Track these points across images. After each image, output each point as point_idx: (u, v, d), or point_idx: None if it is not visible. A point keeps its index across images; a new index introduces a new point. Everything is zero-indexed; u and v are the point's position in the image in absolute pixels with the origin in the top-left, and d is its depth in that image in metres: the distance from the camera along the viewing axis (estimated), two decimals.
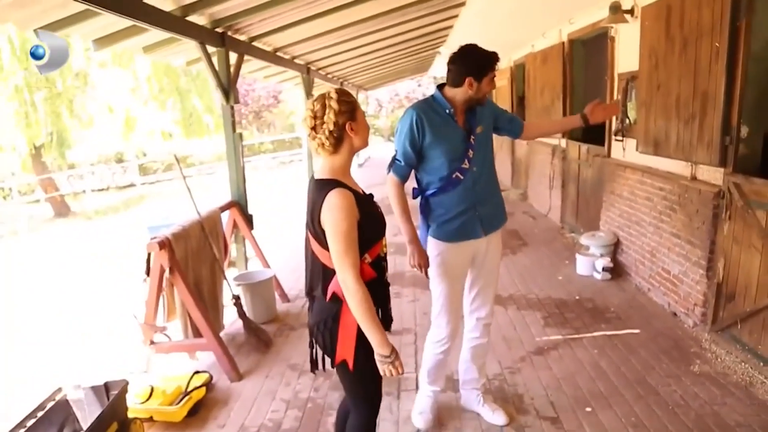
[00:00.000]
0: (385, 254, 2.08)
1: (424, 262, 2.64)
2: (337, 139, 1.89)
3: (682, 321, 4.11)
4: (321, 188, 1.87)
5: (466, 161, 2.58)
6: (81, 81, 14.87)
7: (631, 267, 5.05)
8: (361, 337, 1.91)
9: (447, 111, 2.57)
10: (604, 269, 5.11)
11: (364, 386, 2.07)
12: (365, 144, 1.97)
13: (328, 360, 2.06)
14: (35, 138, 14.36)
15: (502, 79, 10.99)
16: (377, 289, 1.98)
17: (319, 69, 9.09)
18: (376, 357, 1.87)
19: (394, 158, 2.61)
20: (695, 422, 2.84)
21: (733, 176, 3.57)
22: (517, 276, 5.33)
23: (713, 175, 3.84)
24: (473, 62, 2.52)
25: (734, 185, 3.54)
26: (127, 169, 21.43)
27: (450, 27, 8.20)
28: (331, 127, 1.86)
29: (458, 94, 2.56)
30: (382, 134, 29.06)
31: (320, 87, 10.74)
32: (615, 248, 5.35)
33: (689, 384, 3.22)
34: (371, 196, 2.06)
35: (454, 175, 2.56)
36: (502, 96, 11.13)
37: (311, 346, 2.07)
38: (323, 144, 1.90)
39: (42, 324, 6.03)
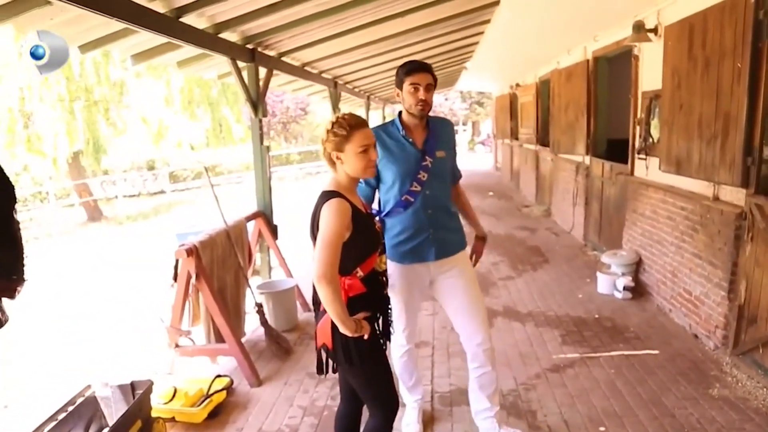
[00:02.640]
0: (384, 270, 2.21)
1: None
2: (331, 161, 2.08)
3: (703, 343, 4.07)
4: (323, 198, 2.02)
5: (416, 184, 2.57)
6: (117, 91, 15.33)
7: (653, 287, 5.03)
8: (360, 341, 2.02)
9: (400, 132, 2.61)
10: (625, 288, 5.09)
11: (373, 388, 2.17)
12: (358, 175, 2.07)
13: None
14: (74, 145, 14.87)
15: (527, 94, 11.03)
16: (373, 302, 2.11)
17: (347, 83, 9.26)
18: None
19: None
20: None
21: (755, 197, 3.56)
22: (537, 292, 5.34)
23: (736, 195, 3.83)
24: (396, 74, 2.61)
25: (756, 206, 3.53)
26: (158, 176, 21.94)
27: (476, 43, 8.29)
28: (322, 151, 2.08)
29: (402, 112, 2.64)
30: None
31: (347, 100, 10.93)
32: (637, 267, 5.33)
33: (707, 407, 3.20)
34: (371, 215, 2.21)
35: (403, 197, 2.58)
36: (527, 111, 11.17)
37: (318, 350, 2.16)
38: (325, 160, 2.10)
39: (73, 323, 6.24)
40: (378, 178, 2.64)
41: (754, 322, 3.58)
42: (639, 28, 5.02)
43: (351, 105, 12.29)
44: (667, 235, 4.74)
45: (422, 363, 3.84)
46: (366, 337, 2.02)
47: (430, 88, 2.56)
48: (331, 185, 2.07)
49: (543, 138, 9.97)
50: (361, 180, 2.44)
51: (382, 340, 2.20)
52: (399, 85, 2.59)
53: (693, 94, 4.17)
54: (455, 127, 2.82)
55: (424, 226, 2.61)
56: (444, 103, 29.72)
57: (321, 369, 2.16)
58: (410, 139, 2.62)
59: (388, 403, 2.21)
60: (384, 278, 2.21)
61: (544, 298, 5.15)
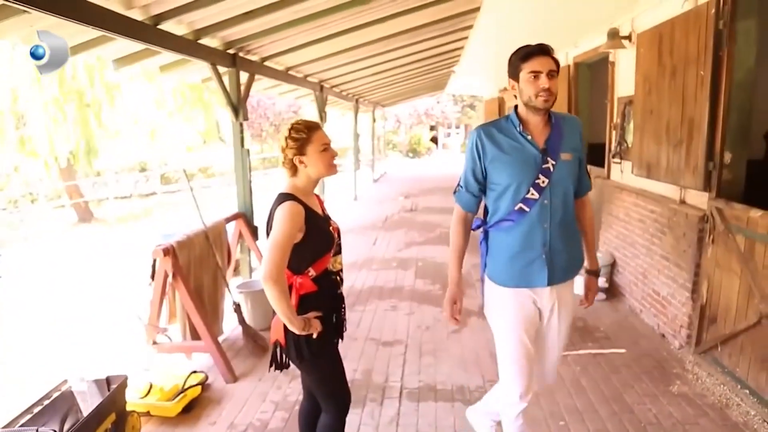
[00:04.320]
0: (339, 270, 2.31)
1: (451, 313, 2.37)
2: (292, 167, 2.16)
3: (669, 342, 4.19)
4: (278, 200, 2.12)
5: (533, 190, 2.15)
6: (109, 93, 15.39)
7: (626, 288, 5.15)
8: (311, 339, 2.12)
9: (517, 128, 2.18)
10: (599, 290, 5.20)
11: (327, 384, 2.27)
12: (322, 174, 2.18)
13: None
14: (66, 146, 14.95)
15: (513, 98, 11.15)
16: (325, 300, 2.21)
17: (333, 87, 9.37)
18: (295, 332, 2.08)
19: (458, 184, 2.34)
20: None
21: (716, 201, 3.68)
22: None
23: (700, 199, 3.95)
24: (509, 62, 2.19)
25: (717, 210, 3.65)
26: (149, 178, 21.98)
27: (461, 48, 8.41)
28: (283, 158, 2.15)
29: (519, 106, 2.22)
30: (401, 150, 29.31)
31: (335, 104, 11.03)
32: (612, 269, 5.44)
33: (665, 403, 3.31)
34: (328, 217, 2.30)
35: (517, 206, 2.17)
36: None
37: (272, 346, 2.26)
38: (284, 167, 2.18)
39: (54, 321, 6.33)
40: (484, 185, 2.28)
41: (715, 321, 3.70)
42: (614, 35, 5.15)
43: (339, 108, 12.40)
44: (639, 237, 4.87)
45: (394, 360, 3.96)
46: (315, 336, 2.11)
47: (554, 75, 2.10)
48: (288, 188, 2.17)
49: None
50: (462, 185, 2.32)
51: (335, 338, 2.31)
52: (514, 74, 2.16)
53: (662, 100, 4.30)
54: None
55: (537, 242, 2.19)
56: (436, 106, 29.95)
57: (276, 365, 2.27)
58: (529, 137, 2.18)
59: (340, 399, 2.31)
60: (338, 278, 2.31)
61: None
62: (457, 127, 34.87)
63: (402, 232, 8.71)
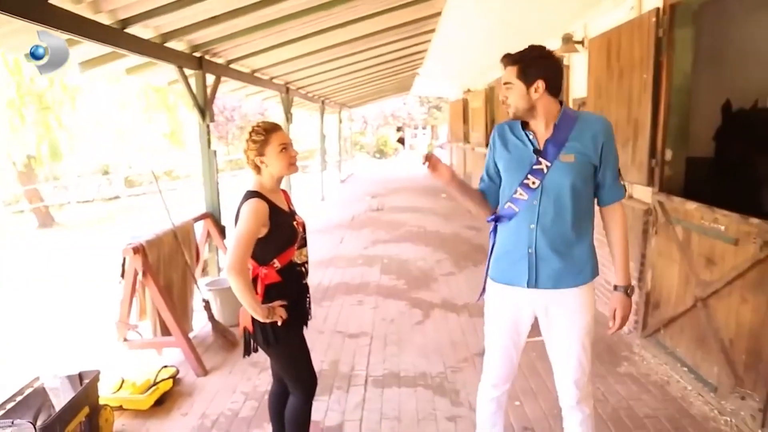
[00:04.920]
0: (304, 262, 2.46)
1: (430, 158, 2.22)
2: (255, 167, 2.32)
3: None
4: (244, 197, 2.27)
5: (521, 190, 2.15)
6: (70, 95, 15.14)
7: None
8: (276, 325, 2.27)
9: (522, 127, 2.20)
10: None
11: (293, 367, 2.42)
12: (282, 172, 2.33)
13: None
14: (26, 149, 14.67)
15: (477, 100, 11.45)
16: (290, 290, 2.35)
17: (299, 88, 9.48)
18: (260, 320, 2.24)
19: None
20: (610, 415, 3.18)
21: (658, 195, 3.95)
22: (475, 287, 5.61)
23: (645, 194, 4.23)
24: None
25: (659, 203, 3.93)
26: (112, 181, 21.63)
27: (425, 51, 8.63)
28: (246, 158, 2.31)
29: None
30: (368, 151, 29.49)
31: (301, 105, 11.13)
32: None
33: (612, 382, 3.56)
34: (294, 212, 2.45)
35: (506, 204, 2.20)
36: (477, 116, 11.58)
37: (241, 333, 2.41)
38: (249, 166, 2.34)
39: (25, 319, 6.32)
40: (497, 179, 2.29)
41: (658, 306, 3.98)
42: (567, 39, 5.44)
43: (306, 110, 12.50)
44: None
45: (360, 351, 4.12)
46: (280, 323, 2.26)
47: (508, 86, 2.13)
48: (254, 186, 2.32)
49: None
50: (483, 175, 2.34)
51: (300, 325, 2.46)
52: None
53: (611, 102, 4.56)
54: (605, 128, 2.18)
55: (523, 243, 2.17)
56: (402, 108, 30.26)
57: (246, 350, 2.41)
58: (531, 136, 2.17)
59: (307, 382, 2.47)
60: (303, 269, 2.46)
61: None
62: (424, 128, 35.26)
63: (368, 231, 8.89)
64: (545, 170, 2.11)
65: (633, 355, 3.97)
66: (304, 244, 2.48)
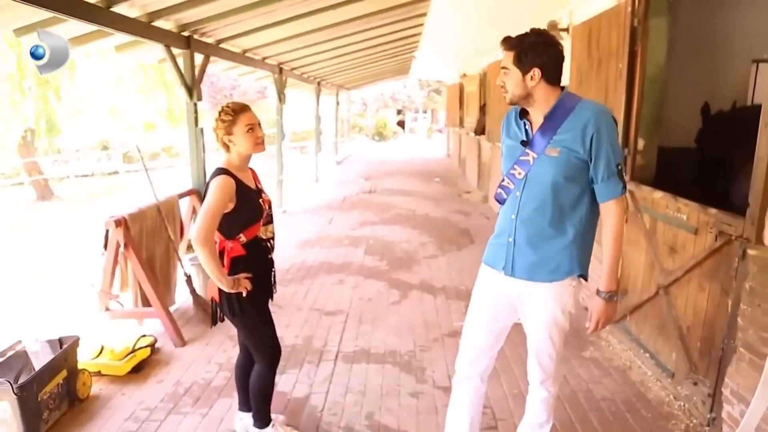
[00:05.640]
0: (270, 238, 2.58)
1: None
2: (224, 144, 2.42)
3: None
4: (213, 174, 2.38)
5: (508, 179, 2.17)
6: (69, 70, 15.16)
7: None
8: (241, 296, 2.39)
9: (520, 112, 2.18)
10: None
11: (257, 337, 2.55)
12: (249, 151, 2.43)
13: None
14: (24, 122, 14.77)
15: (472, 85, 11.49)
16: (255, 264, 2.47)
17: (293, 69, 9.51)
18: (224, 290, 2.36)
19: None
20: (568, 396, 3.30)
21: (629, 184, 4.04)
22: (456, 270, 5.78)
23: None
24: None
25: (629, 192, 4.02)
26: (111, 156, 21.72)
27: (419, 34, 8.65)
28: (215, 137, 2.42)
29: None
30: (367, 133, 29.49)
31: (296, 86, 11.15)
32: None
33: (576, 366, 3.69)
34: (261, 190, 2.56)
35: (498, 190, 2.22)
36: (472, 101, 11.62)
37: (212, 303, 2.53)
38: (218, 144, 2.44)
39: (11, 288, 6.49)
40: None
41: (626, 293, 4.09)
42: (552, 26, 5.46)
43: (302, 90, 12.52)
44: None
45: (334, 328, 4.25)
46: (244, 294, 2.38)
47: (506, 71, 2.10)
48: (223, 163, 2.43)
49: (484, 127, 10.45)
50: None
51: (265, 298, 2.59)
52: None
53: (590, 90, 4.63)
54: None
55: (505, 230, 2.21)
56: (402, 91, 30.23)
57: (213, 320, 2.53)
58: (527, 125, 2.14)
59: (270, 350, 2.60)
60: (269, 245, 2.57)
61: (460, 275, 5.59)
62: (424, 111, 35.20)
63: (358, 213, 9.00)
64: (531, 162, 2.09)
65: (600, 341, 4.09)
66: (270, 221, 2.59)
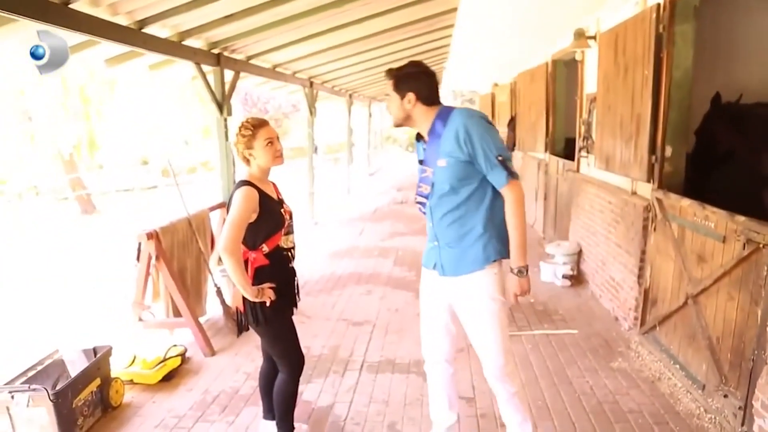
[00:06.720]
0: (290, 248, 2.65)
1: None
2: (245, 158, 2.51)
3: (620, 324, 4.50)
4: (236, 186, 2.48)
5: (419, 196, 2.48)
6: (109, 88, 15.77)
7: (589, 274, 5.45)
8: (265, 305, 2.46)
9: (417, 136, 2.53)
10: (564, 276, 5.52)
11: (280, 346, 2.61)
12: (269, 164, 2.52)
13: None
14: (69, 139, 15.41)
15: (503, 94, 11.44)
16: (277, 273, 2.54)
17: (324, 82, 9.65)
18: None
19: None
20: (594, 408, 3.25)
21: (657, 192, 3.98)
22: None
23: (646, 190, 4.25)
24: None
25: (657, 200, 3.95)
26: (151, 171, 22.34)
27: (447, 45, 8.69)
28: (236, 151, 2.52)
29: None
30: (401, 144, 29.56)
31: (327, 98, 11.30)
32: (578, 257, 5.75)
33: (603, 377, 3.63)
34: (282, 201, 2.65)
35: (417, 205, 2.55)
36: (503, 111, 11.56)
37: (234, 312, 2.61)
38: (240, 158, 2.54)
39: (51, 296, 6.75)
40: None
41: (656, 303, 4.01)
42: (579, 35, 5.45)
43: (333, 103, 12.67)
44: (599, 226, 5.17)
45: (361, 338, 4.29)
46: (268, 303, 2.45)
47: (388, 97, 2.46)
48: (245, 176, 2.53)
49: (514, 144, 10.37)
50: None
51: (288, 307, 2.65)
52: None
53: (617, 97, 4.59)
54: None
55: (431, 236, 2.52)
56: None
57: (239, 328, 2.61)
58: (423, 145, 2.48)
59: (293, 359, 2.66)
60: (290, 254, 2.64)
61: None
62: None
63: (388, 223, 9.05)
64: (431, 176, 2.39)
65: (629, 351, 4.01)
66: (290, 231, 2.66)
